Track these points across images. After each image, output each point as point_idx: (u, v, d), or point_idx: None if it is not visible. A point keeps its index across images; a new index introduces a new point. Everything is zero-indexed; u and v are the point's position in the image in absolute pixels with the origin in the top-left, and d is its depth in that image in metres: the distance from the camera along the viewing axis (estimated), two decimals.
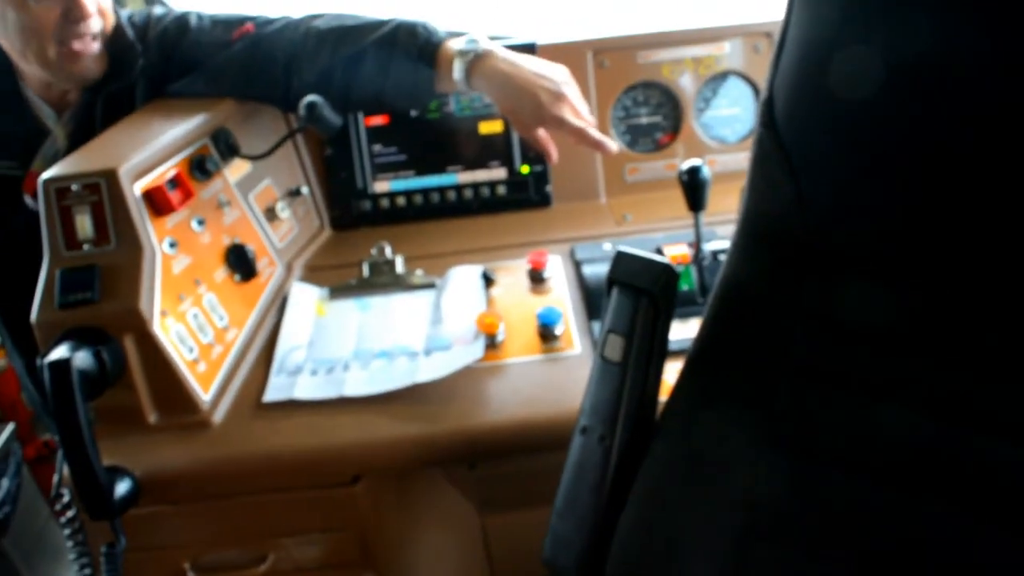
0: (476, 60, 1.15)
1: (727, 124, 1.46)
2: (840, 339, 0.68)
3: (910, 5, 0.54)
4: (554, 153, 1.23)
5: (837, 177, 0.65)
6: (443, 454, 0.95)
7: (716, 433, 0.72)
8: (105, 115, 1.26)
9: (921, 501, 0.62)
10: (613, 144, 1.17)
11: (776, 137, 0.70)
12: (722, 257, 1.12)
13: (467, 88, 1.17)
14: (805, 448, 0.68)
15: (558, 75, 1.17)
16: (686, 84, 1.43)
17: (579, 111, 1.17)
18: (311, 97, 1.11)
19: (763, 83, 1.38)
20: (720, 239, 1.19)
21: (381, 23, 1.20)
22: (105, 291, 0.93)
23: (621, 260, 0.79)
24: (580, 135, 1.16)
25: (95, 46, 1.23)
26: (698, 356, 0.77)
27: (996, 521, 0.60)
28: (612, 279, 0.79)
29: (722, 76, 1.44)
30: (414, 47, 1.17)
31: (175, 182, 1.03)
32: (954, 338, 0.63)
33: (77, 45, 1.21)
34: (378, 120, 1.40)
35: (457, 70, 1.15)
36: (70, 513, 0.92)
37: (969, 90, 0.53)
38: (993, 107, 0.52)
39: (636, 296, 0.77)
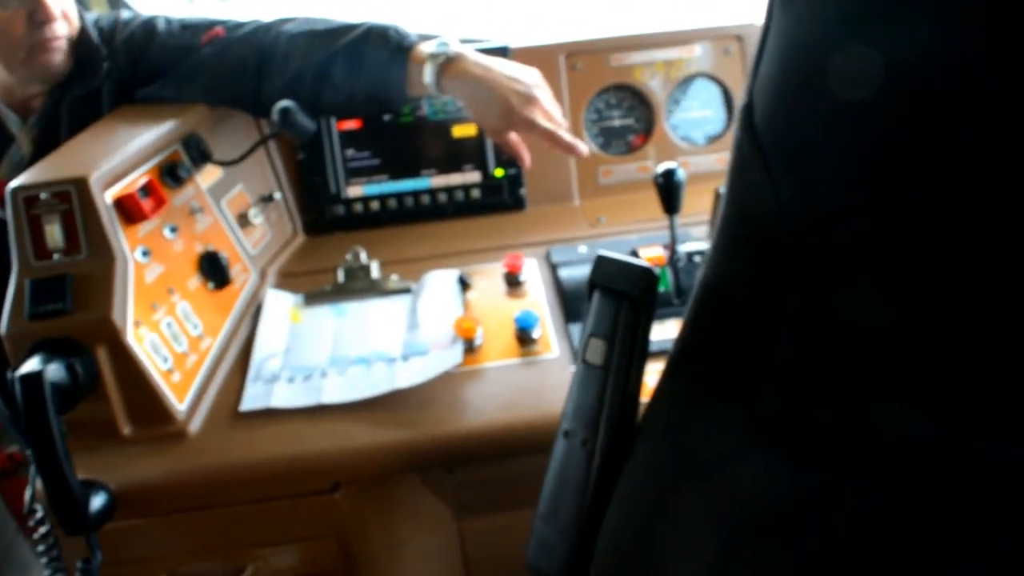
0: (447, 63, 1.14)
1: (698, 126, 1.47)
2: (833, 339, 0.69)
3: (909, 4, 0.55)
4: (526, 157, 1.22)
5: (830, 178, 0.66)
6: (424, 459, 0.95)
7: (700, 435, 0.73)
8: (71, 120, 1.24)
9: (918, 503, 0.63)
10: (584, 147, 1.17)
11: (755, 141, 0.70)
12: (697, 259, 1.13)
13: (438, 92, 1.16)
14: (793, 449, 0.68)
15: (529, 78, 1.16)
16: (657, 86, 1.44)
17: (551, 114, 1.16)
18: (284, 102, 1.10)
19: (736, 86, 1.41)
20: (695, 240, 1.20)
21: (352, 27, 1.19)
22: (77, 301, 0.92)
23: (601, 264, 0.79)
24: (551, 138, 1.15)
25: (62, 44, 1.22)
26: (679, 358, 0.78)
27: (996, 524, 0.60)
28: (593, 283, 0.79)
29: (693, 78, 1.46)
30: (385, 50, 1.16)
31: (147, 189, 1.02)
32: (954, 338, 0.64)
33: (45, 44, 1.19)
34: (351, 124, 1.39)
35: (428, 73, 1.14)
36: (44, 529, 0.90)
37: (968, 89, 0.54)
38: (993, 106, 0.53)
39: (617, 300, 0.77)
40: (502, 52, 1.37)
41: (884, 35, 0.57)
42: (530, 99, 1.14)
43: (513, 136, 1.19)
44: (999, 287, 0.59)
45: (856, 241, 0.68)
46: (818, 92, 0.65)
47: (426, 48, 1.16)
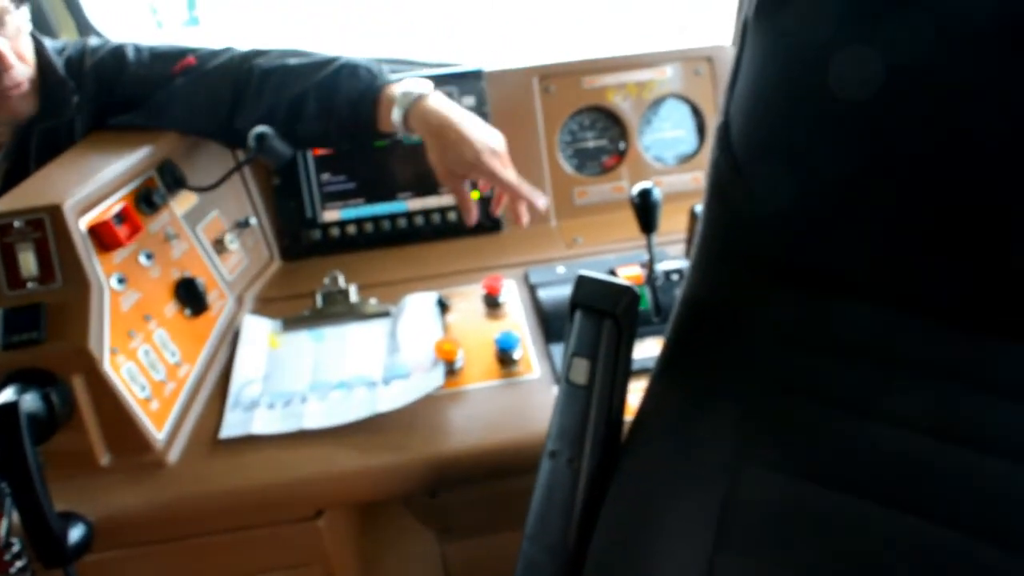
0: (414, 104, 1.13)
1: (671, 146, 1.49)
2: (816, 353, 0.70)
3: (910, 5, 0.56)
4: (474, 213, 1.18)
5: (815, 189, 0.67)
6: (408, 484, 0.95)
7: (689, 449, 0.73)
8: (40, 152, 1.22)
9: (909, 517, 0.63)
10: (543, 200, 1.16)
11: (733, 160, 0.72)
12: (675, 277, 1.14)
13: (404, 131, 1.16)
14: (782, 461, 0.69)
15: (493, 138, 1.14)
16: (630, 108, 1.46)
17: (509, 168, 1.15)
18: (261, 127, 1.10)
19: (707, 106, 1.43)
20: (671, 259, 1.21)
21: (326, 62, 1.19)
22: (52, 330, 0.90)
23: (583, 284, 0.79)
24: (511, 189, 1.14)
25: (23, 88, 1.19)
26: (663, 375, 0.78)
27: (994, 539, 0.61)
28: (575, 303, 0.79)
29: (664, 99, 1.47)
30: (355, 90, 1.16)
31: (122, 216, 1.01)
32: (947, 355, 0.65)
33: (5, 91, 1.17)
34: (326, 149, 1.39)
35: (396, 113, 1.14)
36: (20, 563, 0.88)
37: (968, 95, 0.55)
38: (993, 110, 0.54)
39: (599, 319, 0.78)
40: (476, 76, 1.39)
41: (884, 35, 0.59)
42: (494, 151, 1.13)
43: (463, 186, 1.17)
44: (997, 300, 0.60)
45: (840, 255, 0.69)
46: (806, 100, 0.66)
47: (397, 88, 1.15)
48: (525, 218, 1.16)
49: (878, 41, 0.59)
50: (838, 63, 0.61)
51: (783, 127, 0.67)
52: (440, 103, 1.14)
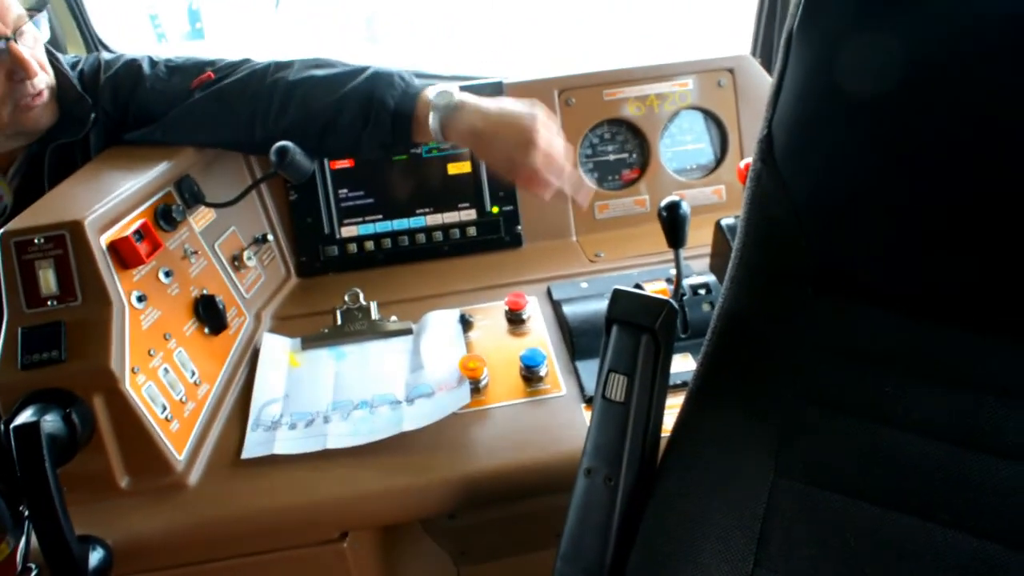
0: (450, 112, 1.12)
1: (692, 159, 1.47)
2: (856, 367, 0.68)
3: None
4: (547, 193, 1.13)
5: (858, 199, 0.66)
6: (435, 504, 0.92)
7: (725, 467, 0.72)
8: (54, 169, 1.20)
9: (933, 524, 0.62)
10: (586, 193, 1.14)
11: (775, 173, 0.70)
12: (702, 292, 1.12)
13: (442, 139, 1.14)
14: (818, 476, 0.68)
15: (527, 120, 1.10)
16: (651, 120, 1.44)
17: (552, 154, 1.11)
18: (282, 142, 1.08)
19: (729, 119, 1.41)
20: (696, 274, 1.18)
21: (356, 71, 1.17)
22: (72, 349, 0.88)
23: (620, 298, 0.78)
24: (550, 188, 1.11)
25: (44, 97, 1.18)
26: (699, 392, 0.77)
27: (1015, 545, 0.60)
28: (611, 318, 0.78)
29: (686, 111, 1.46)
30: (392, 97, 1.14)
31: (141, 233, 0.99)
32: (971, 365, 0.64)
33: (29, 100, 1.15)
34: (344, 163, 1.38)
35: (433, 121, 1.12)
36: None
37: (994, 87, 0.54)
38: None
39: (637, 334, 0.76)
40: (497, 88, 1.37)
41: (909, 26, 0.57)
42: (527, 144, 1.08)
43: (531, 177, 1.12)
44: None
45: (882, 269, 0.68)
46: (850, 102, 0.65)
47: (430, 94, 1.14)
48: (581, 199, 1.20)
49: (905, 33, 0.58)
50: (867, 56, 0.60)
51: (829, 134, 0.66)
52: (470, 111, 1.12)
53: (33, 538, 0.81)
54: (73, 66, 1.26)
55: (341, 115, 1.14)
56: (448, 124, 1.12)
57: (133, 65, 1.26)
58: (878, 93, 0.61)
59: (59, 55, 1.24)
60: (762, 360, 0.73)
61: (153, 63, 1.27)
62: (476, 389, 1.04)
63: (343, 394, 1.06)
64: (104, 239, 0.95)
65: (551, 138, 1.11)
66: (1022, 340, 0.61)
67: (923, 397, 0.65)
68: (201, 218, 1.18)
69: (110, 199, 0.98)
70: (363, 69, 1.17)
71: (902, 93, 0.60)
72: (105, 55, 1.29)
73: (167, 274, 1.03)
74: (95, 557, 0.83)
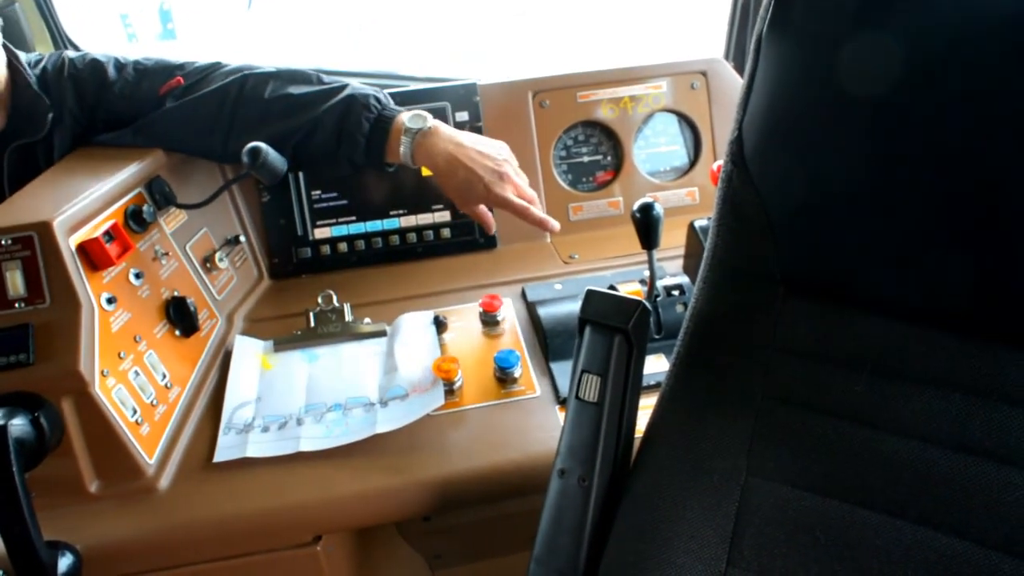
0: (421, 138, 1.14)
1: (666, 161, 1.48)
2: (826, 367, 0.69)
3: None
4: (492, 225, 1.25)
5: (833, 200, 0.67)
6: (409, 507, 0.92)
7: (697, 466, 0.72)
8: (15, 169, 1.18)
9: (902, 522, 0.63)
10: (556, 223, 1.19)
11: (746, 174, 0.71)
12: (675, 293, 1.12)
13: (411, 163, 1.17)
14: (790, 475, 0.68)
15: (499, 152, 1.18)
16: (625, 122, 1.45)
17: (521, 187, 1.19)
18: (254, 143, 1.07)
19: (702, 121, 1.42)
20: (670, 275, 1.19)
21: (333, 91, 1.17)
22: (40, 352, 0.87)
23: (592, 299, 0.78)
24: (524, 214, 1.17)
25: None
26: (672, 392, 0.77)
27: (983, 543, 0.61)
28: (584, 318, 0.78)
29: (659, 114, 1.47)
30: (367, 120, 1.15)
31: (111, 234, 0.98)
32: (941, 364, 0.64)
33: None
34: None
35: (404, 145, 1.15)
36: None
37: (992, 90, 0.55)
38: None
39: (610, 334, 0.76)
40: (471, 90, 1.37)
41: (904, 25, 0.58)
42: (501, 175, 1.16)
43: (480, 208, 1.20)
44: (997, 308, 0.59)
45: (852, 265, 0.68)
46: (826, 104, 0.66)
47: (405, 118, 1.16)
48: (550, 226, 1.20)
49: (898, 33, 0.58)
50: (856, 58, 0.61)
51: (800, 135, 0.66)
52: (442, 138, 1.15)
53: (0, 544, 0.80)
54: (36, 64, 1.23)
55: (315, 135, 1.15)
56: (418, 149, 1.15)
57: (98, 65, 1.23)
58: (847, 94, 0.62)
59: (19, 53, 1.21)
60: (734, 360, 0.74)
61: (120, 65, 1.24)
62: (450, 391, 1.03)
63: (316, 396, 1.05)
64: (73, 240, 0.93)
65: (517, 168, 1.20)
66: (991, 340, 0.62)
67: (893, 396, 0.66)
68: (172, 219, 1.17)
69: (79, 200, 0.96)
70: (341, 88, 1.18)
71: (872, 94, 0.61)
72: (69, 53, 1.27)
73: (137, 276, 1.02)
74: (64, 563, 0.82)
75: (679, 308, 1.11)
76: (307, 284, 1.35)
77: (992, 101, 0.56)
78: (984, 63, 0.56)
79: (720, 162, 0.74)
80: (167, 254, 1.11)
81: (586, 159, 1.46)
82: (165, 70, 1.24)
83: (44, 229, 0.90)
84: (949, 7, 0.57)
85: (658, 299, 1.11)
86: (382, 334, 1.17)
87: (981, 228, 0.58)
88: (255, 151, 1.06)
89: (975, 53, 0.56)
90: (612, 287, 1.16)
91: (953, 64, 0.57)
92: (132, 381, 0.95)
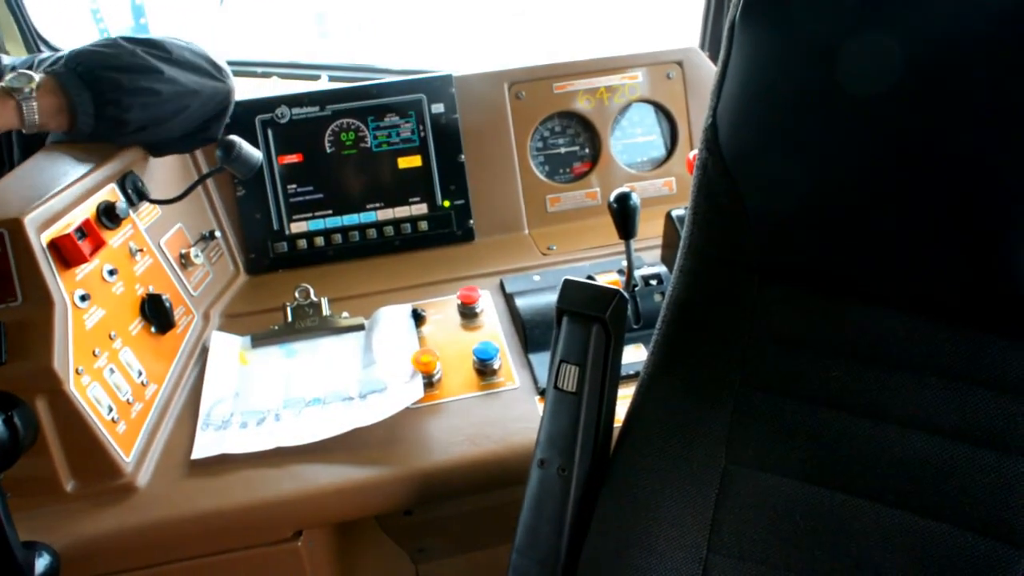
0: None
1: (643, 151, 1.48)
2: (801, 354, 0.69)
3: None
4: None
5: (815, 188, 0.67)
6: (390, 500, 0.92)
7: (677, 454, 0.72)
8: None
9: (880, 505, 0.64)
10: None
11: (721, 162, 0.71)
12: (653, 282, 1.13)
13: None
14: (770, 462, 0.69)
15: None
16: (602, 113, 1.45)
17: None
18: (229, 137, 1.06)
19: (679, 111, 1.42)
20: (648, 265, 1.19)
21: None
22: (12, 351, 0.86)
23: (569, 289, 0.78)
24: None
25: None
26: (651, 380, 0.77)
27: (960, 525, 0.61)
28: (562, 308, 0.78)
29: (636, 104, 1.47)
30: None
31: (83, 231, 0.97)
32: (917, 349, 0.65)
33: None
34: (292, 158, 1.36)
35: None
36: None
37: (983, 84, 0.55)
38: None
39: (588, 324, 0.76)
40: (446, 81, 1.37)
41: (902, 22, 0.58)
42: None
43: None
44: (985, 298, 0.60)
45: (835, 252, 0.69)
46: (808, 96, 0.66)
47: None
48: None
49: (896, 29, 0.58)
50: (851, 55, 0.61)
51: (777, 125, 0.66)
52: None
53: None
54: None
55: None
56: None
57: None
58: (819, 79, 0.62)
59: None
60: (711, 348, 0.74)
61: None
62: (429, 383, 1.03)
63: (295, 391, 1.05)
64: (45, 237, 0.92)
65: None
66: (967, 325, 0.63)
67: (870, 382, 0.66)
68: (146, 215, 1.15)
69: (51, 196, 0.95)
70: None
71: (844, 78, 0.61)
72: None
73: (111, 272, 1.01)
74: (41, 563, 0.81)
75: (657, 298, 1.11)
76: (284, 279, 1.34)
77: (944, 83, 0.56)
78: (947, 43, 0.56)
79: (696, 151, 0.74)
80: (141, 250, 1.09)
81: (563, 150, 1.46)
82: None
83: (15, 226, 0.88)
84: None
85: (636, 289, 1.12)
86: (360, 328, 1.16)
87: (954, 214, 0.59)
88: (229, 144, 1.05)
89: (936, 32, 0.56)
90: (591, 277, 1.17)
91: (924, 50, 0.57)
92: (107, 379, 0.94)
